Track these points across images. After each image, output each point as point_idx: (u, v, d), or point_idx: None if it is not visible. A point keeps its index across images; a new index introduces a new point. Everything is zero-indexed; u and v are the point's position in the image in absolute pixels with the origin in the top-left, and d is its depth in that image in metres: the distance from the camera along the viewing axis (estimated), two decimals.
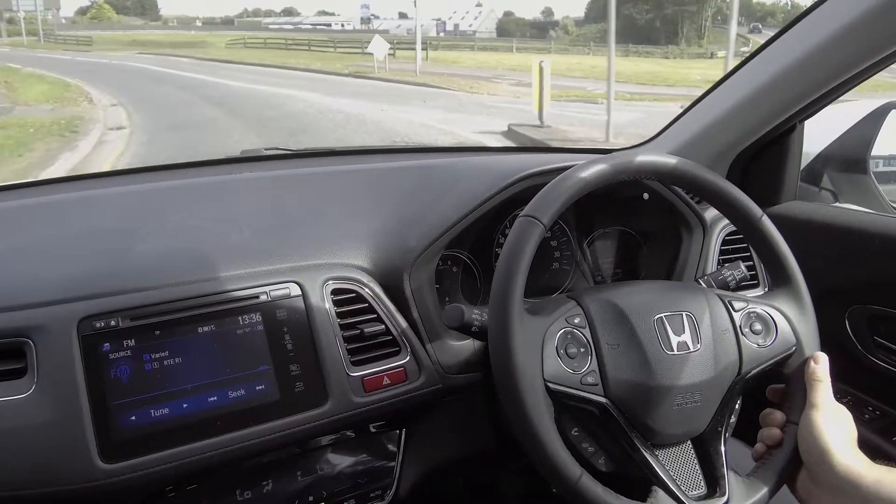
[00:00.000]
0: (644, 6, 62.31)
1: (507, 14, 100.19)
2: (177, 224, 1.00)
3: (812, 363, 0.81)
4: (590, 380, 0.76)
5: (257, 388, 0.86)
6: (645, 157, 0.84)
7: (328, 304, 0.92)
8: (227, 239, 0.97)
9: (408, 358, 0.95)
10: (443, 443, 1.08)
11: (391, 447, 1.03)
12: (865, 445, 0.77)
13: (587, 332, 0.79)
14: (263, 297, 0.90)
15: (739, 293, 0.89)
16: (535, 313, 0.79)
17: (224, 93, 14.86)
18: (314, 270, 0.94)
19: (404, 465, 1.03)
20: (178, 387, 0.83)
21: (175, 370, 0.83)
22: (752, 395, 0.86)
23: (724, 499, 0.76)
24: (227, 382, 0.85)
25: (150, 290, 0.85)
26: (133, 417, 0.80)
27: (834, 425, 0.75)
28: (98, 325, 0.81)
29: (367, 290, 0.96)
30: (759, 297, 0.87)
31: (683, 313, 0.81)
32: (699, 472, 0.80)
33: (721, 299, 0.85)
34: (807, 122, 1.20)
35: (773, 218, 0.90)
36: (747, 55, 1.16)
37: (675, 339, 0.79)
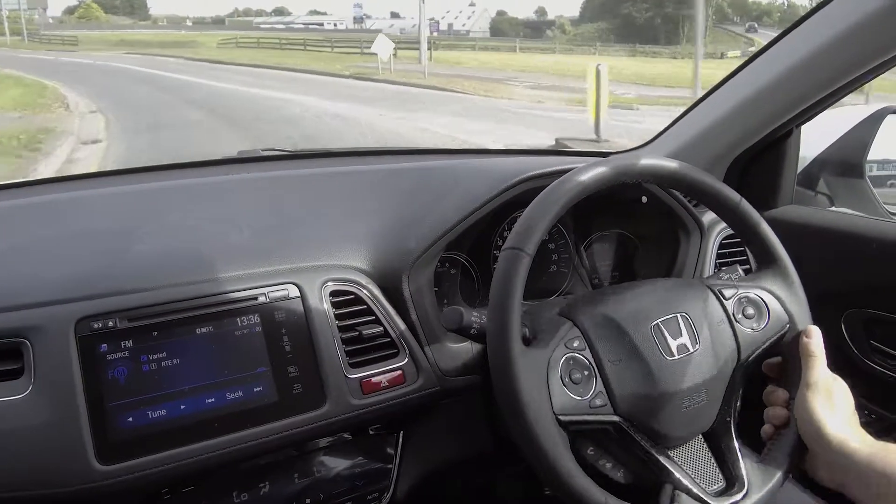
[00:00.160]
0: (643, 4, 61.48)
1: (500, 14, 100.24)
2: (175, 224, 1.00)
3: (805, 338, 0.83)
4: (598, 402, 0.75)
5: (255, 389, 0.86)
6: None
7: (327, 306, 0.92)
8: (225, 239, 0.97)
9: (406, 360, 0.95)
10: (440, 445, 1.08)
11: (389, 449, 1.03)
12: None
13: (588, 353, 0.77)
14: (262, 299, 0.89)
15: (728, 280, 0.90)
16: (533, 341, 0.78)
17: (215, 97, 14.14)
18: (313, 272, 0.94)
19: (402, 468, 1.03)
20: (176, 388, 0.82)
21: (172, 371, 0.82)
22: (753, 379, 0.87)
23: (744, 491, 0.77)
24: (224, 384, 0.84)
25: (148, 291, 0.85)
26: (130, 419, 0.79)
27: (827, 403, 0.77)
28: (95, 325, 0.80)
29: (365, 291, 0.95)
30: (747, 280, 0.88)
31: (678, 315, 0.81)
32: (715, 466, 0.80)
33: (711, 289, 0.85)
34: (803, 127, 1.20)
35: (770, 222, 0.90)
36: (745, 59, 1.17)
37: (674, 344, 0.79)
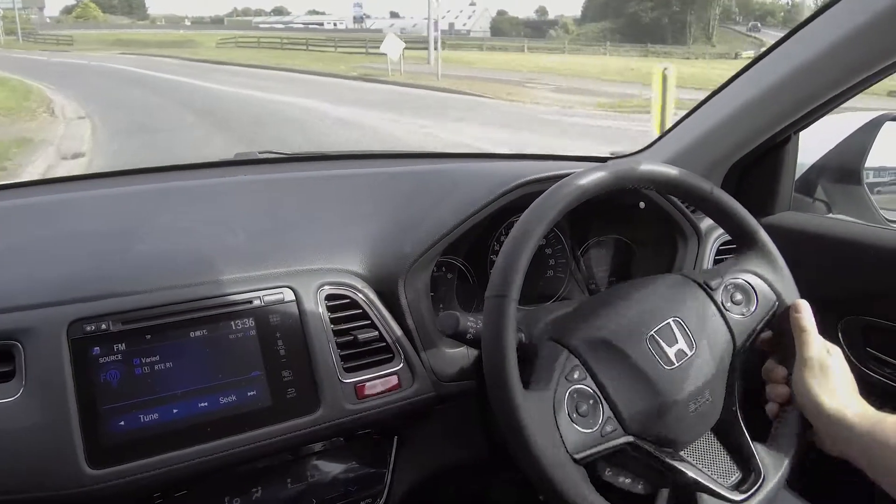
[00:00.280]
0: (648, 3, 60.98)
1: (501, 13, 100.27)
2: (169, 226, 0.99)
3: (794, 313, 0.83)
4: (608, 428, 0.74)
5: (249, 393, 0.85)
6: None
7: (322, 310, 0.91)
8: (220, 242, 0.96)
9: (401, 365, 0.95)
10: (435, 451, 1.07)
11: (383, 455, 1.03)
12: None
13: (589, 381, 0.76)
14: (257, 302, 0.89)
15: (711, 269, 0.90)
16: (533, 383, 0.75)
17: (212, 100, 13.09)
18: (308, 275, 0.93)
19: (396, 473, 1.02)
20: (169, 392, 0.81)
21: (166, 375, 0.82)
22: (750, 364, 0.87)
23: (761, 478, 0.78)
24: (218, 388, 0.84)
25: (142, 294, 0.84)
26: (122, 422, 0.79)
27: (823, 378, 0.78)
28: (88, 328, 0.80)
29: (361, 296, 0.95)
30: (730, 266, 0.88)
31: (671, 321, 0.80)
32: (728, 458, 0.81)
33: (696, 283, 0.85)
34: (801, 133, 1.20)
35: (768, 228, 0.91)
36: (745, 64, 1.16)
37: (671, 352, 0.78)
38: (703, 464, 0.79)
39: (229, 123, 9.95)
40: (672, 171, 0.86)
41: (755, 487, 0.77)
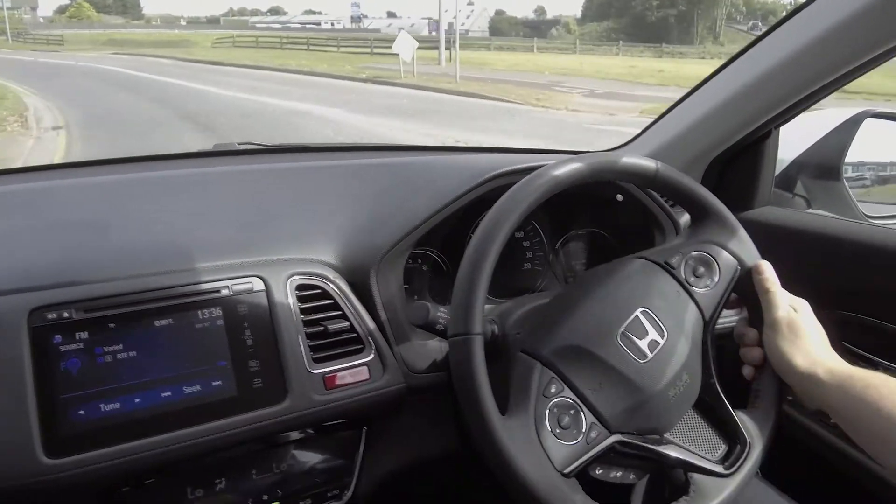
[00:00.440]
0: (654, 2, 60.32)
1: (499, 13, 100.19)
2: (140, 216, 0.98)
3: (756, 275, 0.84)
4: (593, 434, 0.73)
5: (214, 383, 0.84)
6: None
7: (292, 300, 0.90)
8: (191, 232, 0.95)
9: (371, 356, 0.94)
10: (406, 443, 1.06)
11: (352, 446, 1.01)
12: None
13: (567, 392, 0.74)
14: (225, 292, 0.88)
15: (670, 246, 0.89)
16: (511, 408, 0.74)
17: (211, 105, 11.86)
18: (279, 265, 0.92)
19: (364, 465, 1.01)
20: (131, 381, 0.80)
21: (129, 364, 0.81)
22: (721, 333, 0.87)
23: (747, 447, 0.78)
24: (182, 377, 0.83)
25: (106, 282, 0.83)
26: (82, 412, 0.77)
27: (791, 338, 0.79)
28: (50, 316, 0.78)
29: (332, 286, 0.94)
30: (688, 239, 0.88)
31: (638, 312, 0.79)
32: (712, 432, 0.81)
33: (657, 263, 0.84)
34: (782, 129, 1.20)
35: (747, 223, 0.90)
36: (725, 61, 1.16)
37: (643, 344, 0.77)
38: (689, 442, 0.79)
39: (232, 137, 8.78)
40: (614, 156, 0.84)
41: (742, 458, 0.78)
